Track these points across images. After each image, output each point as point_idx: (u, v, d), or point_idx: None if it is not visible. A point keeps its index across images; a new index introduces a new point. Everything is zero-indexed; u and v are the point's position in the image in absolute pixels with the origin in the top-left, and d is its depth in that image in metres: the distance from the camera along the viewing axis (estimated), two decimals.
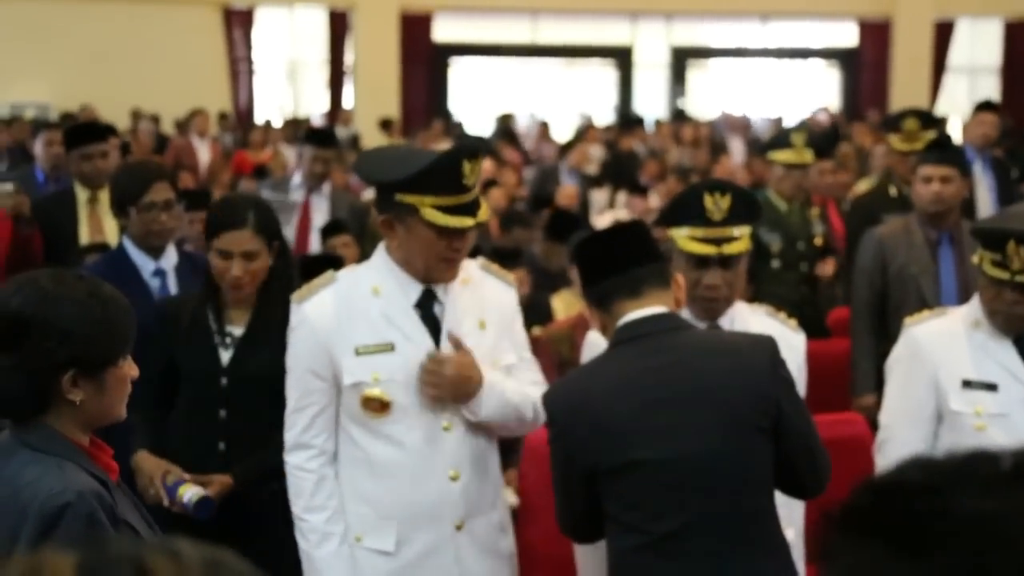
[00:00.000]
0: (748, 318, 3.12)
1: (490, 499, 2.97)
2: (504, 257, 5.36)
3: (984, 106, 7.37)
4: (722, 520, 2.48)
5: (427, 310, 2.90)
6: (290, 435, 2.93)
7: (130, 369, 2.10)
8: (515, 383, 2.97)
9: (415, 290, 2.89)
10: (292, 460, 2.93)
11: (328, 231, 6.11)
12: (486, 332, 2.95)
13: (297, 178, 6.59)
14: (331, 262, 5.19)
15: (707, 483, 2.47)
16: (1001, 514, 0.85)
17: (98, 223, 5.36)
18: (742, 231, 3.06)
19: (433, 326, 2.90)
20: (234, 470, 3.23)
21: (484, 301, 2.98)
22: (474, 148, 2.81)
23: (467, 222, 2.78)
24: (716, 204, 3.04)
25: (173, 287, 3.99)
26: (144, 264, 3.96)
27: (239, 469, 3.23)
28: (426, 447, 2.86)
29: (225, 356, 3.33)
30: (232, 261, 3.26)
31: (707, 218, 3.04)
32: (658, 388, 2.50)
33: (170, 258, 4.01)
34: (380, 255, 2.93)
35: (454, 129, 14.47)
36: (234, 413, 3.28)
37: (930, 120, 6.23)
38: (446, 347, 2.88)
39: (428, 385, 2.82)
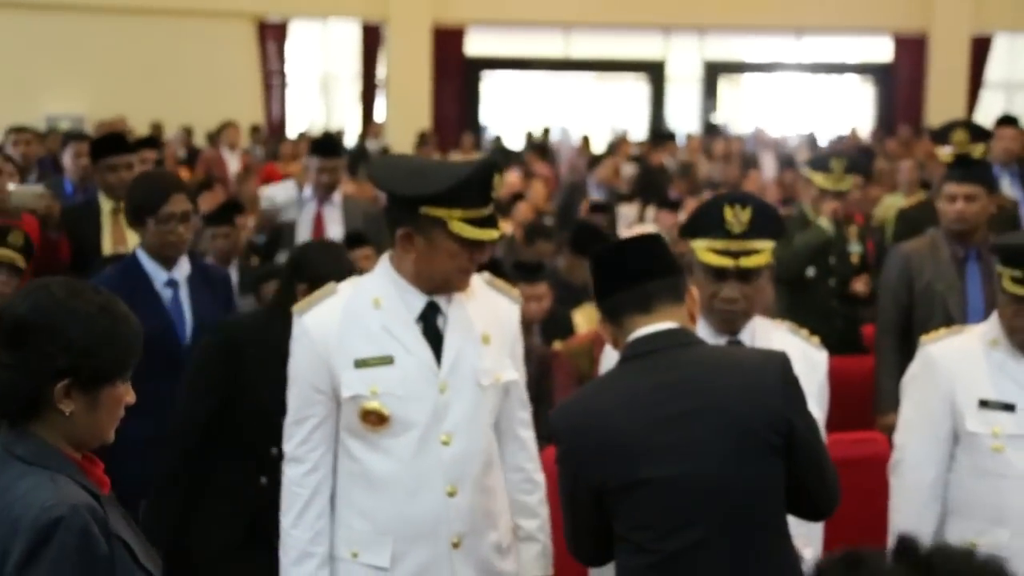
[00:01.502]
0: (770, 333, 3.07)
1: (491, 518, 2.92)
2: (527, 271, 5.33)
3: (1004, 121, 7.30)
4: (732, 539, 2.43)
5: (429, 323, 2.88)
6: (288, 447, 2.91)
7: (126, 393, 2.09)
8: (536, 522, 3.06)
9: (418, 302, 2.87)
10: (288, 472, 2.92)
11: (348, 243, 6.09)
12: (489, 347, 2.92)
13: (308, 190, 6.60)
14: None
15: (717, 501, 2.42)
16: None
17: (121, 234, 5.38)
18: (763, 245, 3.01)
19: (435, 339, 2.87)
20: None
21: (488, 315, 2.95)
22: (502, 161, 2.84)
23: (494, 234, 2.79)
24: (736, 217, 3.00)
25: (185, 298, 4.00)
26: (156, 274, 3.98)
27: None
28: (423, 461, 2.83)
29: None
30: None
31: (727, 230, 3.00)
32: (667, 405, 2.45)
33: (183, 269, 4.02)
34: (383, 267, 2.91)
35: (493, 143, 14.41)
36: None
37: (980, 132, 6.14)
38: (447, 361, 2.86)
39: None
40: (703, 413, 2.44)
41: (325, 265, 3.53)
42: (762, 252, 3.01)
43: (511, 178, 9.68)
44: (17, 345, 2.00)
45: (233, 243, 6.08)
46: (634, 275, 2.57)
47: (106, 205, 5.41)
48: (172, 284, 4.00)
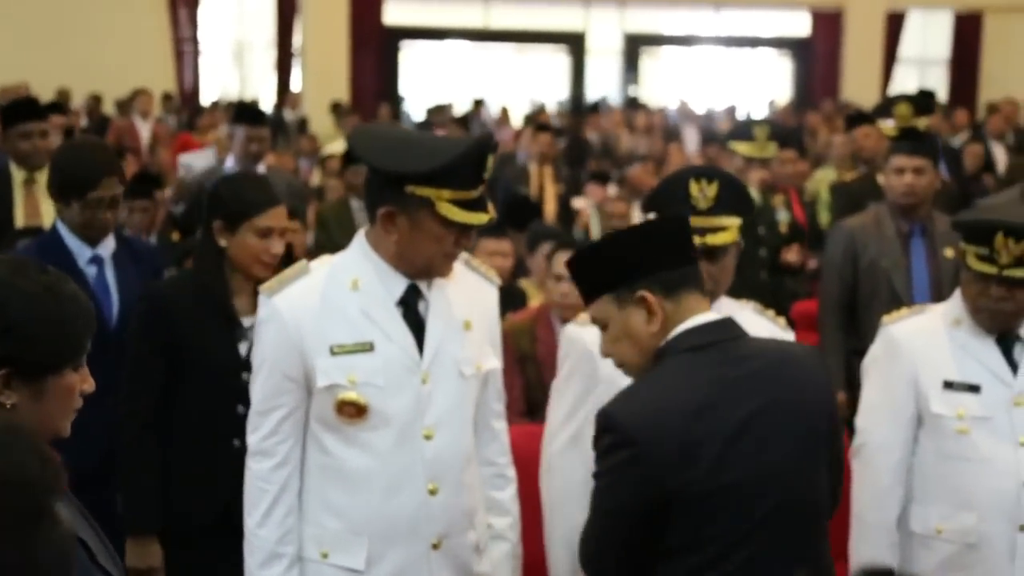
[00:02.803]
0: (736, 315, 2.94)
1: (469, 517, 2.75)
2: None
3: (925, 95, 7.33)
4: (801, 543, 2.28)
5: (410, 308, 2.68)
6: (253, 439, 2.69)
7: (81, 382, 1.88)
8: (507, 520, 2.91)
9: (399, 286, 2.67)
10: (253, 467, 2.70)
11: None
12: (471, 333, 2.74)
13: (230, 160, 6.35)
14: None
15: (792, 504, 2.25)
16: None
17: (35, 205, 5.12)
18: (730, 222, 2.88)
19: (416, 326, 2.68)
20: None
21: (469, 299, 2.77)
22: (495, 142, 2.63)
23: (483, 218, 2.59)
24: (702, 191, 2.88)
25: (111, 276, 3.74)
26: (79, 251, 3.71)
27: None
28: (404, 457, 2.64)
29: (243, 348, 3.22)
30: (273, 239, 3.21)
31: (692, 206, 2.87)
32: (743, 403, 2.24)
33: (108, 245, 3.75)
34: (360, 245, 2.69)
35: (432, 115, 14.01)
36: None
37: (923, 106, 6.10)
38: (430, 350, 2.68)
39: None
40: (775, 411, 2.26)
41: (241, 199, 3.25)
42: (729, 229, 2.88)
43: None
44: None
45: (152, 216, 5.87)
46: (693, 252, 2.38)
47: (18, 175, 5.15)
48: (96, 261, 3.73)
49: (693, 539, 2.20)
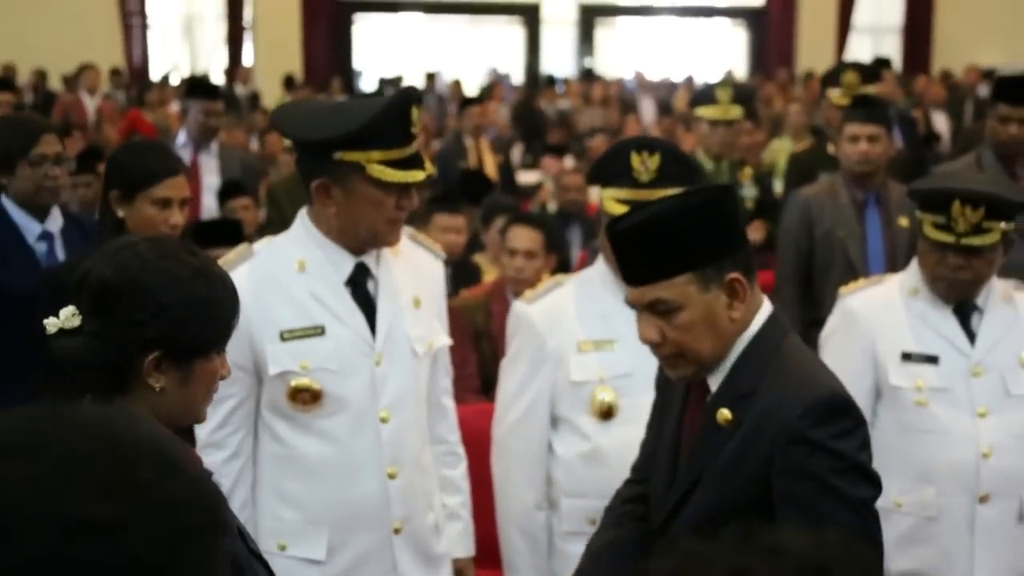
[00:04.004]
0: None
1: (427, 497, 2.70)
2: (445, 201, 5.13)
3: (881, 64, 7.30)
4: None
5: (359, 288, 2.60)
6: (202, 432, 2.59)
7: (222, 366, 1.85)
8: (459, 498, 2.86)
9: (346, 264, 2.59)
10: (204, 461, 2.62)
11: (225, 192, 5.79)
12: (421, 310, 2.67)
13: (182, 136, 6.23)
14: (230, 227, 4.89)
15: None
16: None
17: None
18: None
19: (366, 306, 2.60)
20: None
21: (416, 275, 2.70)
22: (419, 93, 2.54)
23: (418, 175, 2.49)
24: (644, 164, 2.81)
25: (61, 253, 3.63)
26: (28, 226, 3.58)
27: None
28: (362, 442, 2.57)
29: None
30: (172, 210, 3.12)
31: (634, 179, 2.80)
32: None
33: (56, 220, 3.64)
34: (303, 224, 2.61)
35: (385, 87, 13.87)
36: None
37: (870, 74, 6.06)
38: (382, 330, 2.60)
39: None
40: None
41: (137, 167, 3.13)
42: None
43: None
44: (103, 311, 1.77)
45: (96, 192, 5.73)
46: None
47: None
48: (47, 237, 3.61)
49: None
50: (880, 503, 3.03)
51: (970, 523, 2.98)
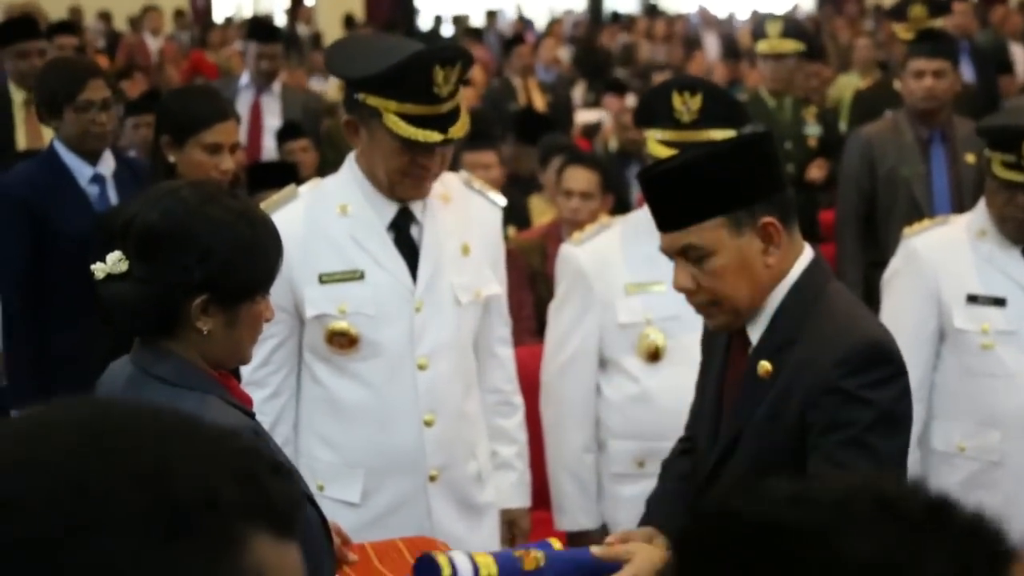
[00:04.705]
0: None
1: (469, 447, 2.67)
2: (473, 137, 5.00)
3: None
4: None
5: (403, 232, 2.58)
6: (244, 370, 2.57)
7: (266, 309, 1.86)
8: (514, 448, 2.81)
9: (389, 209, 2.56)
10: None
11: (284, 134, 5.78)
12: (470, 258, 2.64)
13: (245, 78, 6.23)
14: (286, 169, 4.89)
15: None
16: (895, 563, 0.77)
17: (36, 127, 5.00)
18: (717, 135, 2.75)
19: (409, 252, 2.58)
20: None
21: (467, 222, 2.66)
22: (451, 54, 2.45)
23: (433, 136, 2.43)
24: (686, 104, 2.78)
25: (113, 195, 3.65)
26: (80, 170, 3.61)
27: None
28: (398, 388, 2.56)
29: None
30: (223, 155, 3.07)
31: (676, 119, 2.77)
32: None
33: (108, 163, 3.66)
34: (349, 167, 2.59)
35: (441, 25, 13.74)
36: None
37: (938, 7, 5.90)
38: (424, 277, 2.57)
39: None
40: None
41: (187, 113, 3.08)
42: None
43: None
44: (149, 256, 1.79)
45: None
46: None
47: (17, 96, 5.07)
48: (98, 180, 3.63)
49: None
50: (942, 447, 3.02)
51: None
